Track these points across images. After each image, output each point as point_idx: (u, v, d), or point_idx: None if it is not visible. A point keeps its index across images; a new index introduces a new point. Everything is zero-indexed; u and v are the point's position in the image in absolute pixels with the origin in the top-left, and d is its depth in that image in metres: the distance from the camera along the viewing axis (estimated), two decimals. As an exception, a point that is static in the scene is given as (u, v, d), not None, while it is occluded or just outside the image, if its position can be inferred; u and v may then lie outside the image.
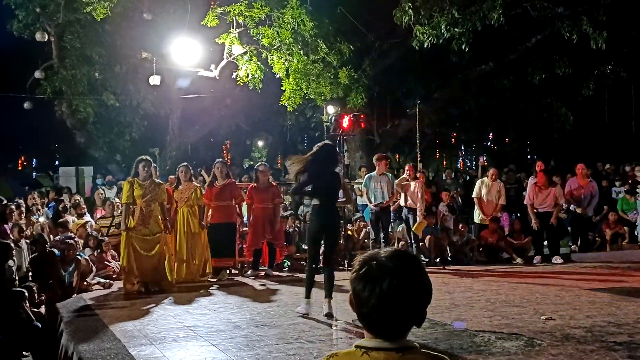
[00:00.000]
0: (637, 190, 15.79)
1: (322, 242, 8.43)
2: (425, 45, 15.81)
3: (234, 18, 14.47)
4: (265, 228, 12.05)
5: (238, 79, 15.03)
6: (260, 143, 37.73)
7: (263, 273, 12.00)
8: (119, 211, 12.38)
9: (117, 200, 13.56)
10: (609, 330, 6.97)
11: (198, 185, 11.84)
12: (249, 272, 12.11)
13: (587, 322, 7.35)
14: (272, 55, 14.78)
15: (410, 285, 1.98)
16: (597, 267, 12.54)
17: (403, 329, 2.02)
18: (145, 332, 7.30)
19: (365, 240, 13.62)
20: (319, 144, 8.44)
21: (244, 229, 12.73)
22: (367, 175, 13.28)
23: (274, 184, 12.73)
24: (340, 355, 2.05)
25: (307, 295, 8.22)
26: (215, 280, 11.39)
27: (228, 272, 11.94)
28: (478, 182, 14.68)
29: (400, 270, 1.98)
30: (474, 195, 14.54)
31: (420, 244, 13.38)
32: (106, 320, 8.08)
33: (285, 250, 12.81)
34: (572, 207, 14.48)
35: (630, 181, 16.70)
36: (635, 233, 15.22)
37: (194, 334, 7.19)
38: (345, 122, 13.56)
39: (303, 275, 11.95)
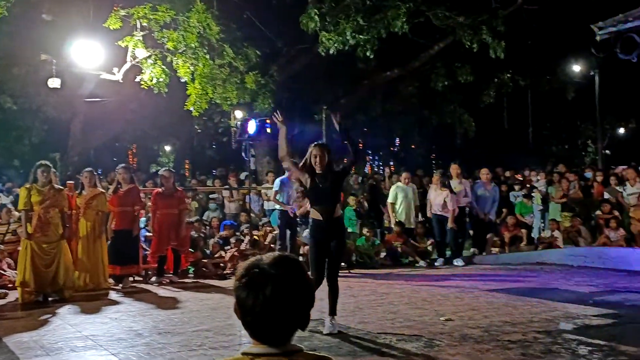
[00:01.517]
0: (533, 194, 16.43)
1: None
2: (331, 52, 15.98)
3: (137, 21, 14.20)
4: (170, 234, 11.88)
5: (142, 82, 14.76)
6: (167, 148, 37.16)
7: (167, 280, 11.82)
8: (15, 218, 11.96)
9: (12, 207, 13.07)
10: (504, 329, 7.21)
11: (103, 190, 11.57)
12: (153, 278, 11.91)
13: (485, 322, 7.59)
14: (177, 59, 14.58)
15: (292, 291, 2.00)
16: (496, 269, 12.95)
17: (288, 333, 2.03)
18: (41, 343, 7.07)
19: (272, 245, 13.62)
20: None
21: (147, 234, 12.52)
22: (279, 179, 13.32)
23: (179, 189, 12.56)
24: None
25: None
26: (118, 287, 11.14)
27: (131, 279, 11.70)
28: (393, 187, 14.88)
29: (282, 276, 2.00)
30: (389, 200, 14.74)
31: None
32: (0, 331, 7.77)
33: (190, 257, 12.67)
34: (474, 211, 14.91)
35: (527, 186, 17.34)
36: (532, 235, 15.80)
37: (93, 344, 7.02)
38: (251, 127, 13.52)
39: (208, 282, 12.00)
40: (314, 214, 7.48)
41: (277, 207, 13.17)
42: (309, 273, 6.75)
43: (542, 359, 5.96)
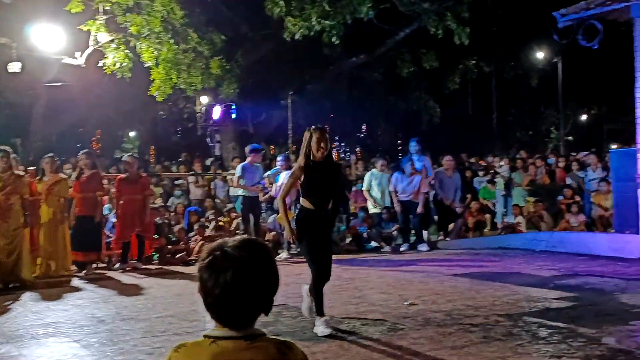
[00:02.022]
0: (496, 180, 16.60)
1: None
2: (297, 37, 15.94)
3: (100, 4, 14.00)
4: (134, 220, 11.77)
5: (105, 67, 14.58)
6: (132, 134, 36.82)
7: (131, 266, 11.72)
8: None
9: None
10: (467, 313, 7.29)
11: (64, 177, 11.42)
12: (116, 265, 11.81)
13: (448, 307, 7.66)
14: (140, 43, 14.42)
15: (255, 275, 1.98)
16: (460, 254, 13.07)
17: (250, 317, 2.02)
18: (2, 330, 6.98)
19: (237, 232, 13.58)
20: None
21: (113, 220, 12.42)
22: (241, 165, 13.30)
23: (143, 175, 12.45)
24: (189, 345, 2.03)
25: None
26: (81, 274, 11.02)
27: (95, 265, 11.59)
28: (368, 174, 14.88)
29: (246, 260, 1.98)
30: (364, 187, 14.73)
31: (291, 234, 13.45)
32: (-40, 319, 7.66)
33: (154, 243, 12.58)
34: (439, 196, 15.01)
35: (491, 171, 17.52)
36: (496, 220, 15.99)
37: (55, 331, 6.95)
38: (216, 112, 13.46)
39: (172, 268, 11.93)
40: (305, 203, 6.69)
41: (241, 192, 13.12)
42: (312, 271, 6.52)
43: (503, 342, 6.03)
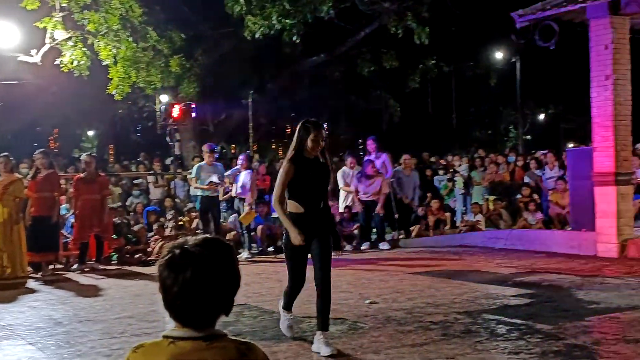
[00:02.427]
0: (456, 178, 16.75)
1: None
2: (257, 36, 15.88)
3: (56, 1, 13.77)
4: (92, 220, 11.61)
5: (62, 65, 14.34)
6: (90, 133, 36.33)
7: (90, 267, 11.56)
8: None
9: None
10: (427, 310, 7.34)
11: (20, 176, 11.22)
12: (75, 266, 11.64)
13: (408, 305, 7.70)
14: (98, 41, 14.22)
15: (215, 274, 1.95)
16: (420, 252, 13.15)
17: (209, 317, 1.99)
18: (-45, 334, 6.83)
19: (197, 231, 13.48)
20: None
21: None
22: (197, 165, 13.24)
23: (101, 175, 12.28)
24: (147, 346, 2.01)
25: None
26: (37, 275, 10.84)
27: (52, 266, 11.41)
28: (340, 172, 14.85)
29: (205, 258, 1.95)
30: (340, 185, 14.70)
31: (252, 233, 13.43)
32: None
33: (113, 243, 12.43)
34: (399, 195, 15.09)
35: (450, 170, 17.67)
36: (455, 219, 16.13)
37: (10, 333, 6.82)
38: (176, 111, 13.30)
39: (131, 268, 11.81)
40: (292, 207, 6.01)
41: (199, 192, 13.03)
42: (289, 279, 6.12)
43: (462, 339, 6.08)
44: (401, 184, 14.93)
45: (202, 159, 13.62)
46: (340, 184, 14.45)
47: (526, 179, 15.55)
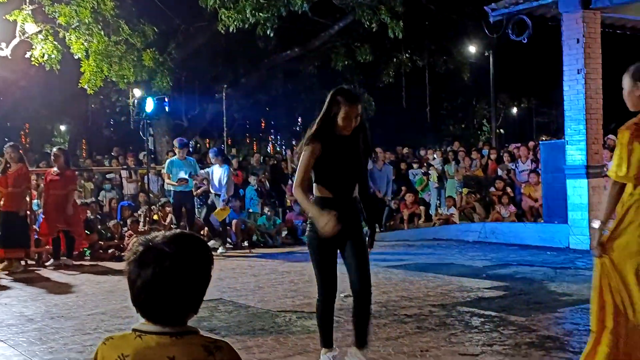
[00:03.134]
0: (430, 172, 16.81)
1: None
2: (231, 30, 15.78)
3: (27, -6, 13.59)
4: (59, 216, 11.42)
5: (33, 59, 14.16)
6: (62, 127, 35.93)
7: (62, 263, 11.44)
8: None
9: None
10: (401, 304, 7.36)
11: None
12: (49, 262, 11.51)
13: (383, 298, 7.72)
14: (70, 35, 14.05)
15: (179, 271, 1.93)
16: (394, 246, 13.19)
17: (174, 314, 1.97)
18: None
19: (172, 226, 13.40)
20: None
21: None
22: (169, 160, 13.19)
23: (69, 169, 11.94)
24: (116, 338, 2.02)
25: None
26: (7, 272, 10.70)
27: (23, 262, 11.27)
28: None
29: (170, 255, 1.93)
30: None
31: (228, 227, 13.39)
32: None
33: (86, 239, 12.28)
34: (372, 189, 15.13)
35: (425, 164, 17.73)
36: (430, 212, 16.19)
37: (-19, 331, 6.72)
38: (149, 105, 13.20)
39: (105, 264, 11.70)
40: (318, 191, 4.81)
41: (172, 187, 12.96)
42: (318, 287, 4.80)
43: (437, 332, 6.11)
44: (373, 178, 14.97)
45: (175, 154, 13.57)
46: None
47: (499, 172, 15.66)
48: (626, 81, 4.25)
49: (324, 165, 4.74)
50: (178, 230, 2.08)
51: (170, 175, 12.73)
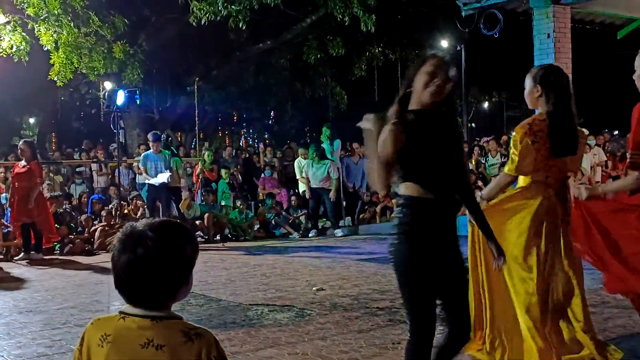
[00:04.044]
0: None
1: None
2: (203, 22, 15.68)
3: (-6, -16, 13.38)
4: (23, 209, 11.22)
5: (1, 50, 13.94)
6: (31, 120, 35.47)
7: (31, 258, 11.30)
8: None
9: None
10: (373, 297, 7.39)
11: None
12: (18, 256, 11.36)
13: (355, 291, 7.74)
14: (39, 26, 13.85)
15: (158, 255, 1.98)
16: (367, 239, 13.24)
17: (154, 299, 2.02)
18: None
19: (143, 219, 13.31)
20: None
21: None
22: (143, 154, 13.12)
23: (33, 163, 11.66)
24: (102, 319, 2.10)
25: None
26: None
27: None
28: (297, 161, 14.79)
29: (149, 240, 1.98)
30: (298, 176, 14.69)
31: (198, 221, 13.33)
32: None
33: (55, 233, 12.08)
34: (349, 184, 15.17)
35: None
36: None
37: (-53, 326, 6.62)
38: (120, 97, 13.06)
39: (74, 258, 11.58)
40: (413, 190, 3.48)
41: (147, 181, 12.89)
42: (412, 320, 3.58)
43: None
44: (349, 172, 15.00)
45: (148, 147, 13.48)
46: (298, 175, 14.50)
47: (470, 166, 15.76)
48: (527, 82, 4.54)
49: (413, 156, 3.47)
50: (165, 218, 2.13)
51: (146, 169, 12.66)
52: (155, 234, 1.99)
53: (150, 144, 12.96)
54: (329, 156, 14.16)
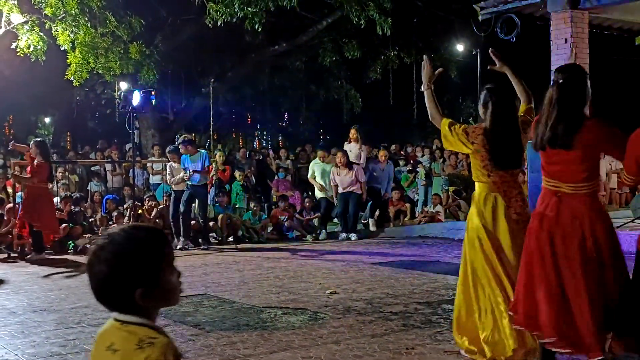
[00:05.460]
0: (418, 169, 16.83)
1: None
2: (219, 24, 15.70)
3: (13, -16, 13.45)
4: (28, 208, 11.23)
5: (18, 50, 14.03)
6: (47, 119, 35.66)
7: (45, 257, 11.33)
8: None
9: None
10: (387, 301, 7.35)
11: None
12: (30, 255, 11.39)
13: (368, 295, 7.71)
14: (56, 26, 13.93)
15: (104, 262, 1.99)
16: (380, 243, 13.20)
17: (109, 300, 2.04)
18: None
19: (157, 220, 13.32)
20: None
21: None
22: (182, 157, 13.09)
23: (42, 163, 11.60)
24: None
25: None
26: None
27: (5, 255, 11.16)
28: (312, 164, 14.80)
29: (100, 246, 2.01)
30: (309, 175, 14.69)
31: (212, 223, 13.33)
32: None
33: (57, 232, 11.97)
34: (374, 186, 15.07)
35: (411, 161, 17.75)
36: (416, 210, 16.20)
37: (-39, 324, 6.65)
38: (135, 98, 13.08)
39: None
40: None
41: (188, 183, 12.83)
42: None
43: (422, 329, 6.10)
44: (376, 177, 14.91)
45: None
46: (312, 175, 14.46)
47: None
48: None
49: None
50: (133, 224, 2.18)
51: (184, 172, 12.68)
52: (106, 240, 2.02)
53: (182, 150, 12.86)
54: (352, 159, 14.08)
